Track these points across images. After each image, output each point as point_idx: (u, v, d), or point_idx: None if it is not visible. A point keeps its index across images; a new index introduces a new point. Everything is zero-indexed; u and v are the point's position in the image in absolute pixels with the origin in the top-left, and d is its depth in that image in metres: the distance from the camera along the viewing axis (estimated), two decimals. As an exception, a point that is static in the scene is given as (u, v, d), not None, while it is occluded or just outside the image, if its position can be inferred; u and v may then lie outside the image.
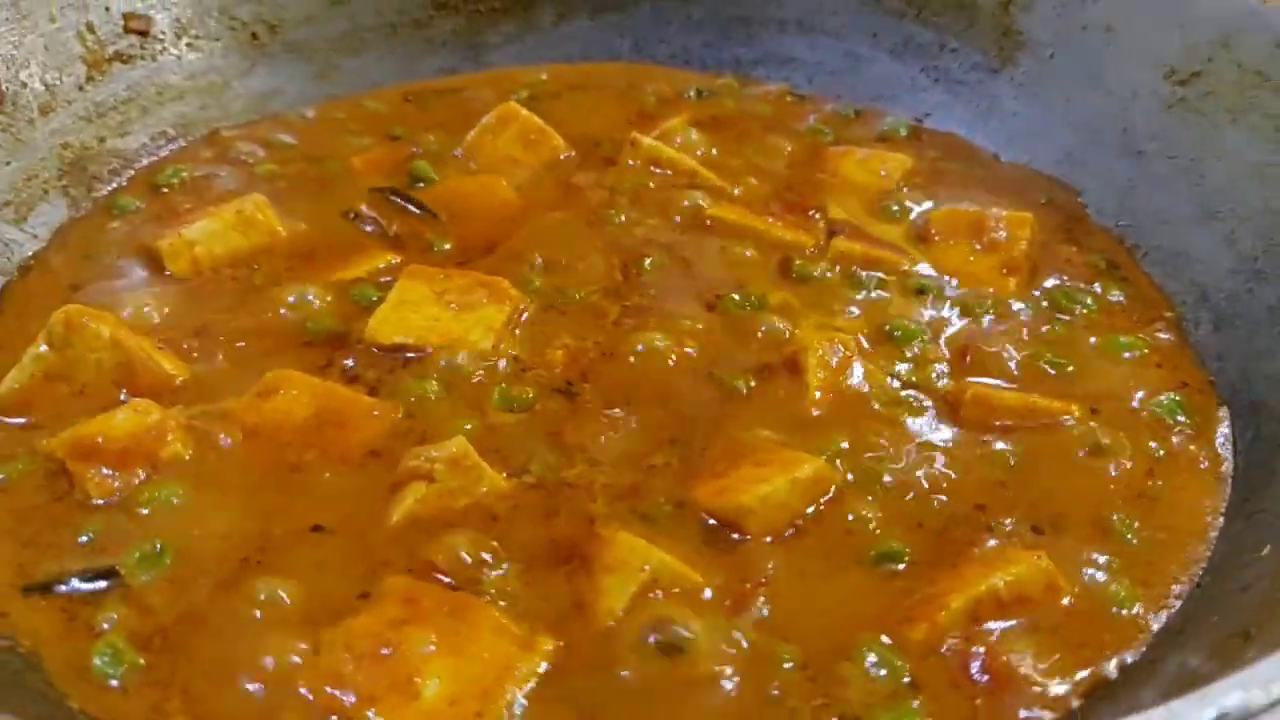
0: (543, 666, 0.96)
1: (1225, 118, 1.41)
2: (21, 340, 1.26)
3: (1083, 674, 0.98)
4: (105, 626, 0.99)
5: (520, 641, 0.98)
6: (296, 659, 0.97)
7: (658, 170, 1.55)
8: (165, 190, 1.50)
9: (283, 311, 1.31)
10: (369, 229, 1.44)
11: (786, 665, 0.97)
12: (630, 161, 1.56)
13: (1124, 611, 1.03)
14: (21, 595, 1.03)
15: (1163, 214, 1.45)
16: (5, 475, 1.12)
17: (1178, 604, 1.05)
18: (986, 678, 0.97)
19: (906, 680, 0.97)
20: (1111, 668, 0.99)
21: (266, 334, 1.29)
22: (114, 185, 1.50)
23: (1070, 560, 1.07)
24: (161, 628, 1.00)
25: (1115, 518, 1.11)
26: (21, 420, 1.18)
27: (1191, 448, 1.20)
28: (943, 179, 1.56)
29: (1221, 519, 1.12)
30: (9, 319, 1.31)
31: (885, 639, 0.99)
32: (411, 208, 1.47)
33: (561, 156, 1.58)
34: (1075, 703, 0.96)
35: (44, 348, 1.20)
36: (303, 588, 1.03)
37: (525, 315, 1.31)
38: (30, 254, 1.39)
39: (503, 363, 1.24)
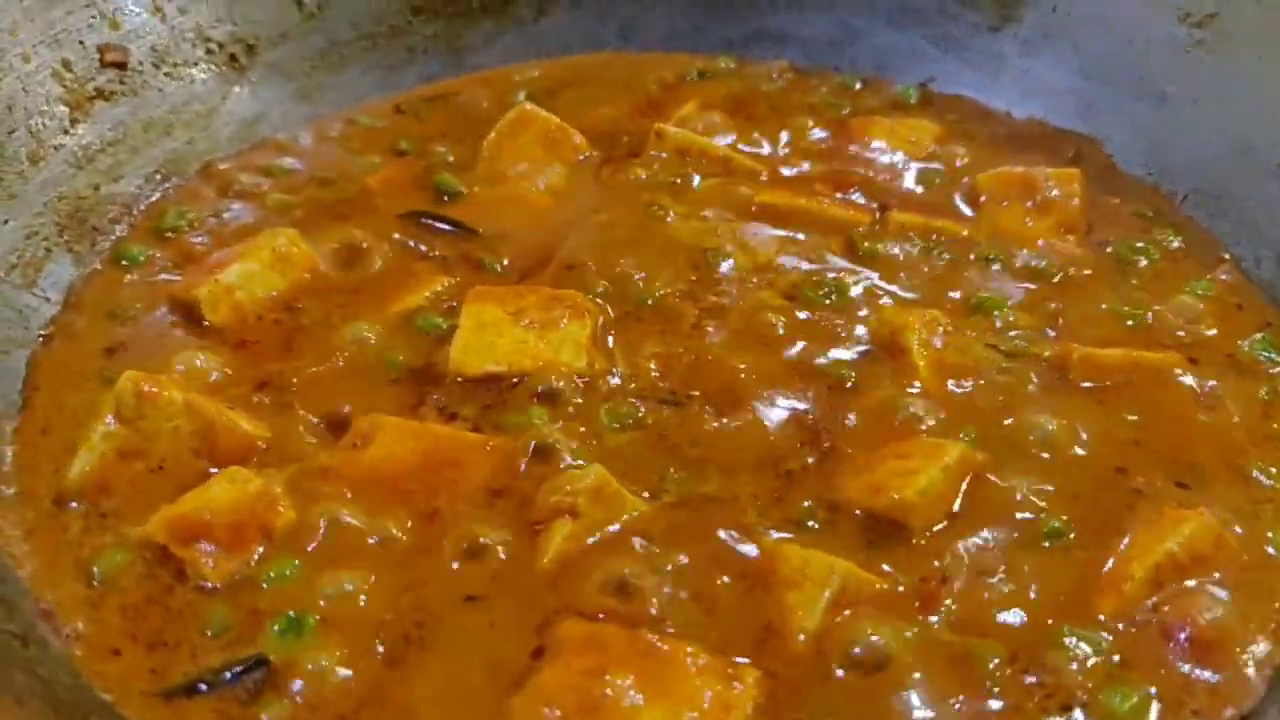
0: (757, 697, 0.92)
1: (1250, 55, 1.43)
2: (64, 418, 1.16)
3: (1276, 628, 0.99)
4: (273, 728, 0.91)
5: (724, 675, 0.93)
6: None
7: (688, 160, 1.50)
8: (172, 235, 1.38)
9: (350, 353, 1.22)
10: (409, 251, 1.35)
11: (993, 663, 0.95)
12: (655, 153, 1.51)
13: (1292, 556, 1.04)
14: (164, 702, 0.93)
15: (1195, 157, 1.46)
16: (102, 571, 1.02)
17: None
18: (1189, 644, 0.97)
19: (1116, 658, 0.96)
20: (1302, 620, 1.00)
21: (339, 379, 1.20)
22: (117, 234, 1.37)
23: (1225, 512, 1.07)
24: (341, 717, 0.92)
25: (1251, 464, 1.12)
26: (99, 506, 1.07)
27: (1293, 382, 1.22)
28: (972, 141, 1.55)
29: (1350, 455, 1.14)
30: (43, 396, 1.19)
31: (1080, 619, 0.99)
32: (447, 227, 1.39)
33: (582, 157, 1.52)
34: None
35: (112, 423, 1.08)
36: (474, 657, 0.96)
37: (604, 327, 1.25)
38: (48, 318, 1.26)
39: (607, 379, 1.19)
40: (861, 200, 1.44)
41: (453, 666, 0.95)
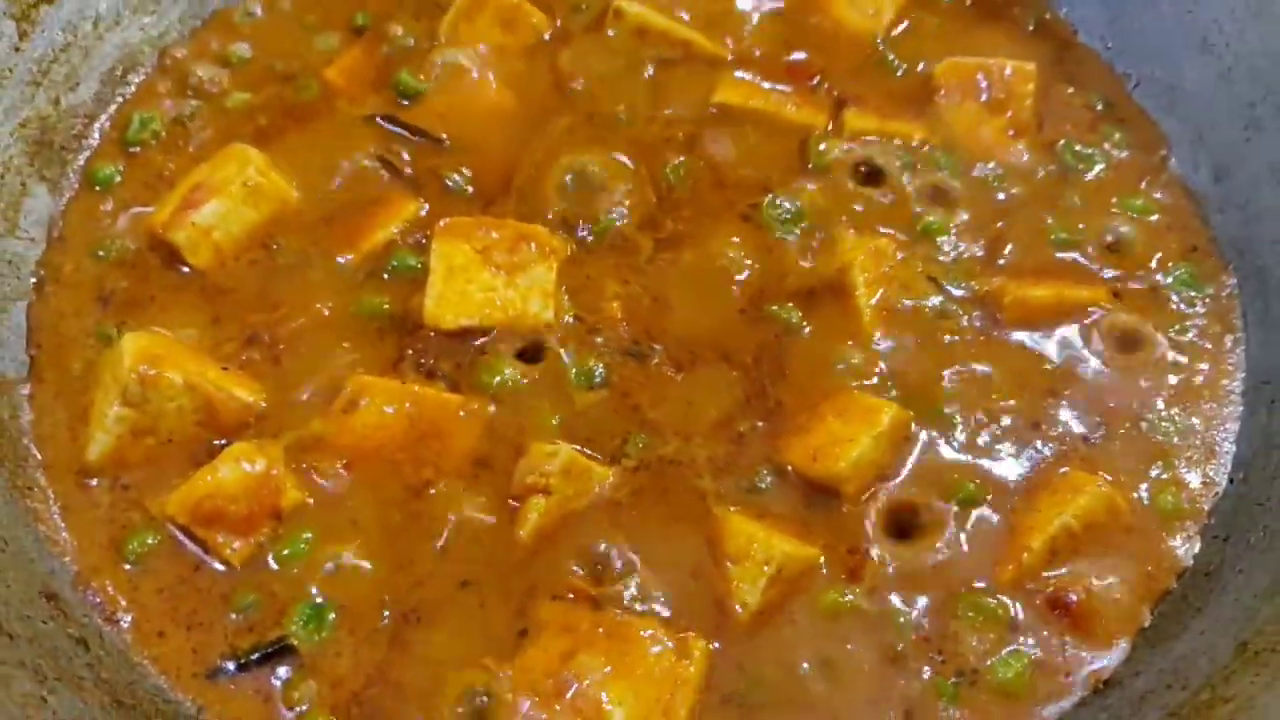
0: (706, 670, 1.10)
1: (1221, -63, 1.41)
2: (70, 382, 1.25)
3: (1151, 594, 1.16)
4: (305, 707, 1.09)
5: (677, 650, 1.10)
6: (485, 699, 1.09)
7: (647, 41, 1.48)
8: (139, 149, 1.39)
9: (328, 299, 1.29)
10: (377, 168, 1.38)
11: (903, 625, 1.13)
12: (611, 32, 1.49)
13: (1175, 523, 1.19)
14: (209, 683, 1.11)
15: (1152, 40, 1.47)
16: (136, 552, 1.15)
17: (1214, 503, 1.21)
18: (1069, 614, 1.14)
19: (1009, 622, 1.13)
20: (1174, 582, 1.17)
21: (321, 330, 1.28)
22: (85, 154, 1.39)
23: (1122, 472, 1.21)
24: (355, 694, 1.09)
25: (1152, 418, 1.25)
26: (120, 479, 1.19)
27: (1206, 324, 1.31)
28: (932, 11, 1.53)
29: (1242, 407, 1.27)
30: (46, 356, 1.27)
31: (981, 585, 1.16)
32: (413, 136, 1.41)
33: (545, 36, 1.50)
34: (1147, 620, 1.15)
35: (119, 408, 1.18)
36: (462, 633, 1.12)
37: (568, 263, 1.31)
38: (35, 262, 1.31)
39: (574, 328, 1.27)
40: (821, 92, 1.45)
41: (446, 645, 1.12)
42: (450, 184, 1.37)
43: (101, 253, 1.32)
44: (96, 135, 1.40)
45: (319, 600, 1.13)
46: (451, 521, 1.17)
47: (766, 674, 1.11)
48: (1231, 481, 1.21)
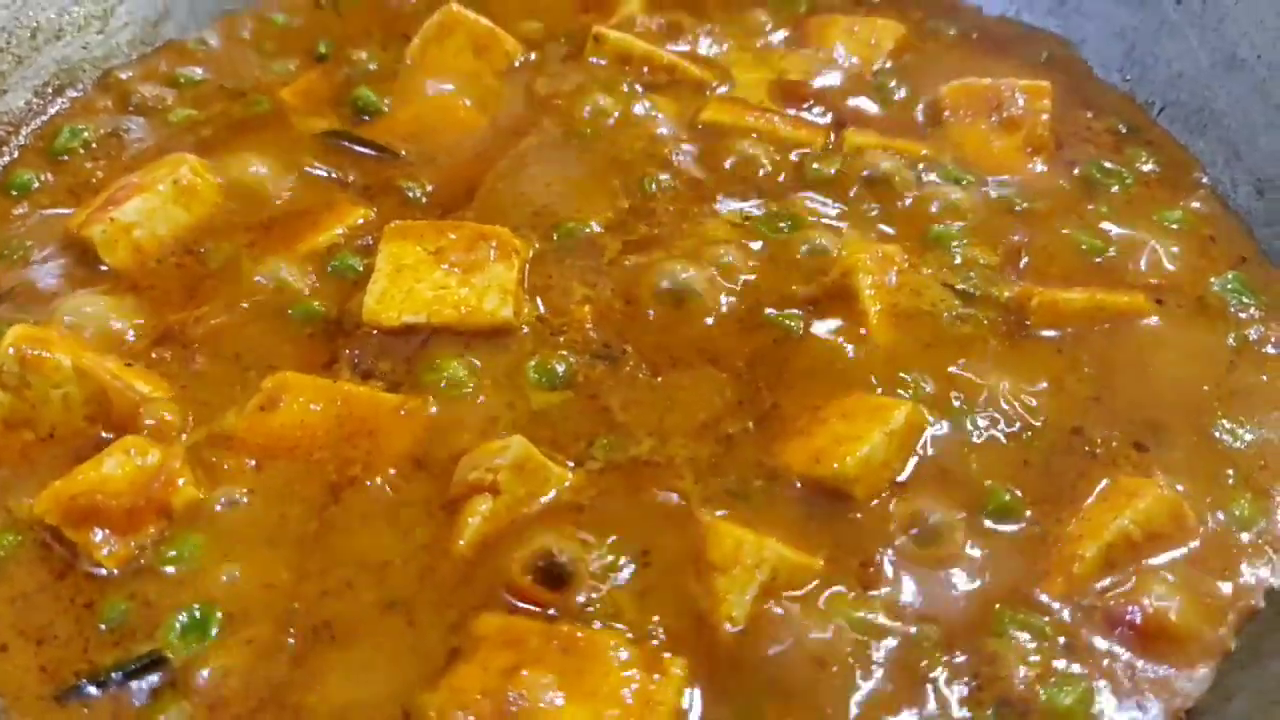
0: (682, 692, 0.87)
1: (1240, -46, 1.32)
2: (-50, 374, 1.08)
3: (1230, 611, 0.94)
4: (170, 731, 0.86)
5: (647, 668, 0.87)
6: (403, 725, 0.86)
7: (629, 68, 1.38)
8: (67, 158, 1.27)
9: (256, 299, 1.13)
10: (327, 178, 1.25)
11: (930, 654, 0.90)
12: (594, 59, 1.39)
13: (1252, 532, 0.99)
14: (57, 705, 0.88)
15: (1176, 65, 1.36)
16: (-9, 555, 0.95)
17: (1301, 510, 1.01)
18: (1134, 632, 0.92)
19: (1062, 642, 0.91)
20: (1259, 597, 0.95)
21: (245, 330, 1.11)
22: (5, 158, 1.26)
23: (1184, 478, 1.02)
24: (239, 719, 0.87)
25: (1214, 422, 1.06)
26: (-13, 480, 1.00)
27: (1265, 330, 1.14)
28: (938, 42, 1.44)
29: (1317, 404, 1.08)
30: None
31: (1025, 602, 0.94)
32: (367, 150, 1.28)
33: (517, 62, 1.40)
34: (1233, 643, 0.92)
35: (-4, 392, 1.01)
36: (382, 650, 0.90)
37: (533, 265, 1.16)
38: (-68, 258, 1.16)
39: (537, 327, 1.11)
40: (817, 116, 1.34)
41: (362, 667, 0.89)
42: (409, 195, 1.24)
43: (5, 253, 1.17)
44: (20, 142, 1.28)
45: (202, 608, 0.91)
46: (378, 526, 0.97)
47: (758, 700, 0.88)
48: (1321, 490, 1.01)
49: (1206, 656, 0.91)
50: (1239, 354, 1.12)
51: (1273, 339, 1.14)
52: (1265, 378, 1.10)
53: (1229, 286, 1.17)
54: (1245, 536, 0.98)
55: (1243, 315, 1.15)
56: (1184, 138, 1.33)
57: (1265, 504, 1.01)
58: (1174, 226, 1.23)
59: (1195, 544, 0.98)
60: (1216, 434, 1.05)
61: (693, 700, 0.87)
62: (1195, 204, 1.26)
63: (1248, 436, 1.05)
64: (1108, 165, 1.29)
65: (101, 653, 0.90)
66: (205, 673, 0.88)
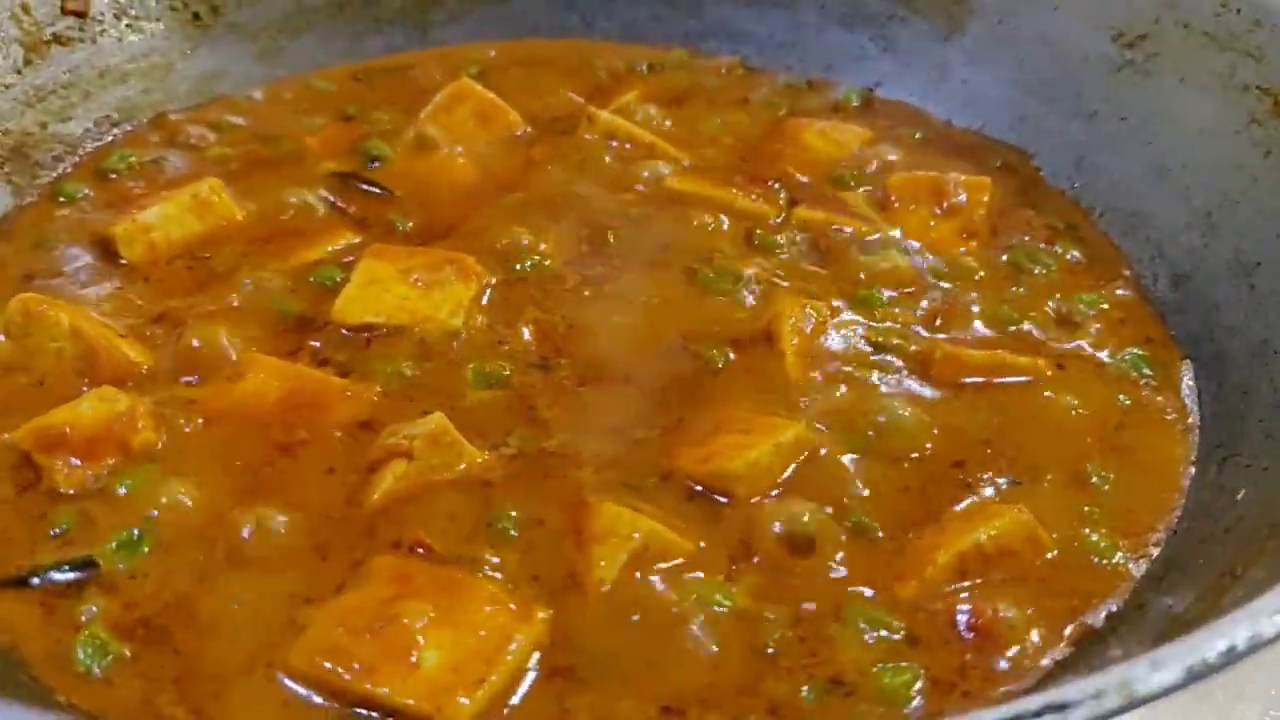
0: (541, 636, 0.96)
1: (1173, 78, 1.43)
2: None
3: (1069, 625, 1.00)
4: (85, 619, 0.97)
5: (516, 613, 0.97)
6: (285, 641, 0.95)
7: (615, 144, 1.54)
8: (114, 176, 1.46)
9: (245, 296, 1.28)
10: (327, 207, 1.42)
11: (775, 628, 0.98)
12: (587, 136, 1.55)
13: (1105, 561, 1.05)
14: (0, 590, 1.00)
15: (1116, 174, 1.47)
16: (-39, 470, 1.09)
17: (1157, 550, 1.06)
18: (973, 633, 0.98)
19: (899, 637, 0.98)
20: (1099, 617, 1.01)
21: (230, 319, 1.25)
22: (59, 172, 1.46)
23: (1049, 512, 1.08)
24: (145, 618, 0.97)
25: (1090, 468, 1.13)
26: (-20, 414, 1.15)
27: (1158, 399, 1.22)
28: (899, 146, 1.57)
29: (1193, 467, 1.14)
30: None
31: (873, 596, 1.01)
32: (370, 189, 1.45)
33: (518, 133, 1.57)
34: (1065, 652, 0.98)
35: (1, 338, 1.16)
36: (285, 575, 1.01)
37: (491, 291, 1.30)
38: (-27, 245, 1.34)
39: (483, 338, 1.23)
40: (775, 194, 1.47)
41: (262, 589, 1.00)
42: (396, 227, 1.39)
43: (42, 244, 1.35)
44: (71, 164, 1.47)
45: (138, 532, 1.03)
46: (309, 479, 1.09)
47: (604, 652, 0.96)
48: (1175, 531, 1.07)
49: (1036, 664, 0.97)
50: (1128, 416, 1.20)
51: (1166, 410, 1.21)
52: (1150, 441, 1.18)
53: (1129, 359, 1.25)
54: (1098, 562, 1.05)
55: (1140, 385, 1.23)
56: (1117, 237, 1.43)
57: (1123, 541, 1.07)
58: (1089, 310, 1.32)
59: (1046, 560, 1.04)
60: (1091, 479, 1.12)
61: (548, 645, 0.96)
62: (1117, 291, 1.35)
63: (1118, 482, 1.12)
64: (1036, 250, 1.39)
65: (46, 555, 1.02)
66: (129, 579, 1.00)
